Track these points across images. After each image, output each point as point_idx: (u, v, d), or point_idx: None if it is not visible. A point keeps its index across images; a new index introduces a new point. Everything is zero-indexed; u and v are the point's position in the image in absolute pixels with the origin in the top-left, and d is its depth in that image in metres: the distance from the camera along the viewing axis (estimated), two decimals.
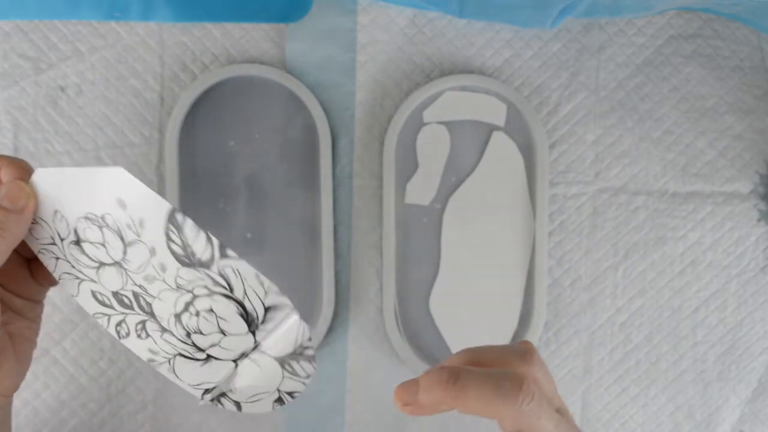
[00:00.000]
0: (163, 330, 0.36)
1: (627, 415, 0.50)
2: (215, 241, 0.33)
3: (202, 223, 0.47)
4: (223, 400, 0.37)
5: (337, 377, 0.49)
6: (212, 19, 0.48)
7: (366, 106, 0.48)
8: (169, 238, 0.33)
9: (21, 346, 0.40)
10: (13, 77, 0.47)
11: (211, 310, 0.35)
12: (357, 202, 0.49)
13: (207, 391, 0.37)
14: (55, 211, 0.36)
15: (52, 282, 0.40)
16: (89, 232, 0.35)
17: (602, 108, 0.49)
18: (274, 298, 0.33)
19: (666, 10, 0.49)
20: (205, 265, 0.33)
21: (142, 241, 0.34)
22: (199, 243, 0.33)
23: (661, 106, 0.49)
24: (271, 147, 0.48)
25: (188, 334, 0.36)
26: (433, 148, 0.48)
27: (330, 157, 0.47)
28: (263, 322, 0.34)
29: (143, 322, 0.36)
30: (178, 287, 0.34)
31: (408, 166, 0.48)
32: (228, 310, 0.34)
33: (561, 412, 0.34)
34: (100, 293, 0.37)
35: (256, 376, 0.36)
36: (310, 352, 0.34)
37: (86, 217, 0.35)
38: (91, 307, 0.37)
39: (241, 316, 0.34)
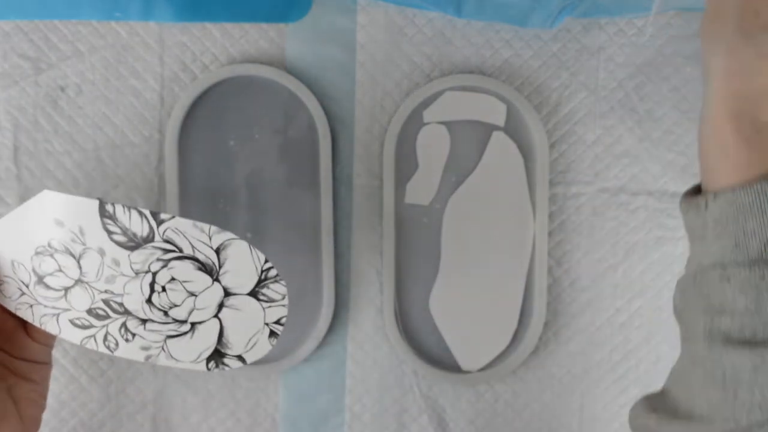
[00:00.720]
0: (143, 321, 0.37)
1: (626, 416, 0.50)
2: (146, 212, 0.34)
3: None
4: (226, 361, 0.38)
5: (337, 377, 0.49)
6: (212, 19, 0.48)
7: (366, 106, 0.48)
8: (109, 232, 0.35)
9: (27, 409, 0.40)
10: (13, 77, 0.47)
11: (173, 279, 0.36)
12: (357, 202, 0.49)
13: (208, 360, 0.37)
14: (12, 262, 0.37)
15: (51, 340, 0.41)
16: (45, 265, 0.37)
17: (602, 108, 0.49)
18: (219, 237, 0.35)
19: (666, 10, 0.49)
20: (149, 239, 0.34)
21: (89, 248, 0.35)
22: (135, 222, 0.34)
23: (661, 106, 0.49)
24: (271, 147, 0.48)
25: (165, 313, 0.36)
26: (433, 148, 0.48)
27: (330, 157, 0.47)
28: (221, 265, 0.35)
29: (124, 324, 0.37)
30: (137, 273, 0.36)
31: (408, 166, 0.48)
32: (186, 270, 0.35)
33: None
34: (77, 318, 0.38)
35: (241, 321, 0.36)
36: (272, 272, 0.36)
37: (37, 253, 0.37)
38: (76, 336, 0.38)
39: (200, 269, 0.35)
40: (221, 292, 0.36)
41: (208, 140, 0.47)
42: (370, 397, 0.49)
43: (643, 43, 0.49)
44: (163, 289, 0.36)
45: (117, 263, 0.36)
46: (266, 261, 0.35)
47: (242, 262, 0.35)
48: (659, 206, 0.49)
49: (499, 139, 0.48)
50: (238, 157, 0.48)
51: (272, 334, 0.37)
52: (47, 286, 0.37)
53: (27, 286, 0.38)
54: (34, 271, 0.37)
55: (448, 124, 0.48)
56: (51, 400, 0.48)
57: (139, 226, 0.35)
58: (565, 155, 0.49)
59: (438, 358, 0.48)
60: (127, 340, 0.37)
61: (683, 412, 0.32)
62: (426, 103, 0.48)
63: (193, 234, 0.34)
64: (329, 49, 0.48)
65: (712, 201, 0.31)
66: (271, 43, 0.48)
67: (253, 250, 0.35)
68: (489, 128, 0.48)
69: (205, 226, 0.35)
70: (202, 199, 0.47)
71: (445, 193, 0.48)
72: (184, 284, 0.36)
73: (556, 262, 0.49)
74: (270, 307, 0.37)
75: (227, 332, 0.37)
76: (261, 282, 0.36)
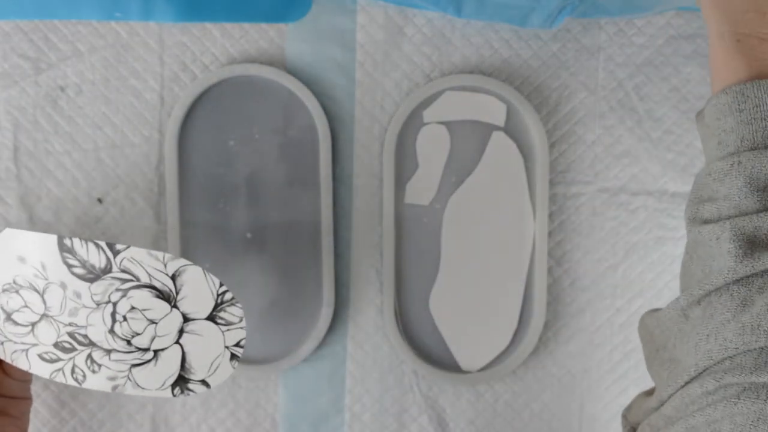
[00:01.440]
0: (108, 351, 0.38)
1: None
2: (102, 244, 0.36)
3: (202, 223, 0.47)
4: (190, 386, 0.39)
5: (337, 377, 0.49)
6: (212, 19, 0.48)
7: (366, 106, 0.48)
8: (69, 266, 0.36)
9: None
10: (13, 77, 0.47)
11: (133, 308, 0.37)
12: (357, 202, 0.49)
13: (173, 386, 0.38)
14: None
15: (28, 375, 0.42)
16: (11, 302, 0.38)
17: (602, 108, 0.49)
18: (173, 264, 0.36)
19: (666, 10, 0.49)
20: (107, 270, 0.36)
21: (51, 282, 0.37)
22: (93, 254, 0.36)
23: (661, 106, 0.49)
24: (271, 147, 0.48)
25: (128, 342, 0.38)
26: (433, 148, 0.48)
27: (330, 157, 0.47)
28: (177, 291, 0.36)
29: (89, 356, 0.38)
30: (98, 304, 0.37)
31: (408, 166, 0.48)
32: (145, 299, 0.37)
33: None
34: (45, 353, 0.39)
35: (201, 346, 0.37)
36: (228, 295, 0.37)
37: (3, 290, 0.38)
38: (45, 370, 0.39)
39: (158, 297, 0.36)
40: (180, 318, 0.37)
41: (208, 140, 0.47)
42: (370, 397, 0.49)
43: (642, 43, 0.49)
44: (124, 318, 0.37)
45: (78, 296, 0.37)
46: (221, 285, 0.37)
47: (198, 287, 0.37)
48: (659, 206, 0.49)
49: (499, 139, 0.48)
50: (238, 157, 0.48)
51: (233, 357, 0.38)
52: (15, 323, 0.39)
53: None
54: (2, 308, 0.39)
55: (448, 124, 0.48)
56: (51, 400, 0.48)
57: (96, 257, 0.36)
58: (565, 155, 0.49)
59: (438, 358, 0.48)
60: (93, 372, 0.39)
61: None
62: (426, 103, 0.48)
63: (149, 263, 0.36)
64: (329, 49, 0.48)
65: (705, 108, 0.35)
66: (271, 43, 0.48)
67: (207, 275, 0.36)
68: (489, 128, 0.48)
69: (160, 254, 0.36)
70: (202, 199, 0.47)
71: (445, 193, 0.48)
72: (143, 312, 0.37)
73: (556, 262, 0.49)
74: (228, 330, 0.38)
75: (189, 357, 0.38)
76: (218, 306, 0.37)
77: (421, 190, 0.48)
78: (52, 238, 0.36)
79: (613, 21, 0.49)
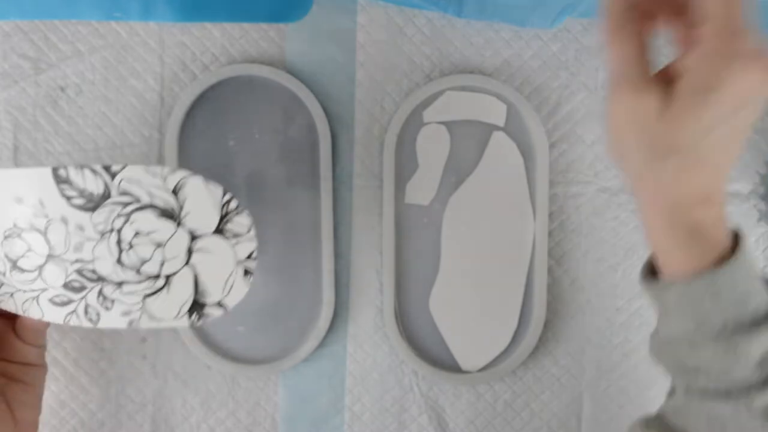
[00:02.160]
0: (118, 284, 0.37)
1: (626, 416, 0.50)
2: (97, 167, 0.34)
3: None
4: (207, 310, 0.37)
5: (337, 377, 0.49)
6: (212, 19, 0.48)
7: (366, 106, 0.48)
8: (67, 198, 0.35)
9: (20, 412, 0.41)
10: (13, 77, 0.47)
11: (138, 233, 0.36)
12: (357, 202, 0.49)
13: (190, 313, 0.37)
14: None
15: (40, 339, 0.41)
16: (15, 248, 0.37)
17: (602, 108, 0.49)
18: (173, 177, 0.34)
19: None
20: (106, 195, 0.34)
21: (52, 219, 0.35)
22: (89, 181, 0.34)
23: None
24: (271, 147, 0.48)
25: (137, 271, 0.36)
26: (433, 148, 0.48)
27: (330, 157, 0.47)
28: (181, 207, 0.35)
29: (100, 292, 0.37)
30: (102, 234, 0.35)
31: (408, 166, 0.48)
32: (149, 220, 0.35)
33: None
34: (56, 296, 0.38)
35: (213, 264, 0.36)
36: (233, 204, 0.35)
37: (5, 237, 0.37)
38: (58, 314, 0.38)
39: (162, 216, 0.35)
40: (187, 237, 0.36)
41: (208, 140, 0.47)
42: (370, 397, 0.49)
43: None
44: (131, 245, 0.36)
45: (81, 228, 0.35)
46: (225, 193, 0.35)
47: (201, 199, 0.35)
48: None
49: (499, 139, 0.48)
50: (238, 157, 0.48)
51: (246, 272, 0.37)
52: (21, 270, 0.37)
53: (4, 275, 0.38)
54: (6, 256, 0.37)
55: (448, 124, 0.48)
56: (51, 400, 0.48)
57: (93, 184, 0.34)
58: (565, 155, 0.49)
59: (438, 358, 0.48)
60: (107, 308, 0.37)
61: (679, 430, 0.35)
62: (426, 103, 0.48)
63: (148, 181, 0.34)
64: (329, 49, 0.48)
65: (667, 290, 0.33)
66: (271, 43, 0.48)
67: (208, 183, 0.34)
68: (489, 128, 0.48)
69: (158, 168, 0.34)
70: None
71: (445, 193, 0.48)
72: (149, 236, 0.36)
73: (556, 262, 0.49)
74: (238, 243, 0.36)
75: (201, 279, 0.36)
76: (224, 217, 0.35)
77: (421, 190, 0.48)
78: (47, 171, 0.35)
79: None
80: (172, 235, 0.36)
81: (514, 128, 0.48)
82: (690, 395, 0.34)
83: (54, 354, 0.48)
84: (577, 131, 0.49)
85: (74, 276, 0.37)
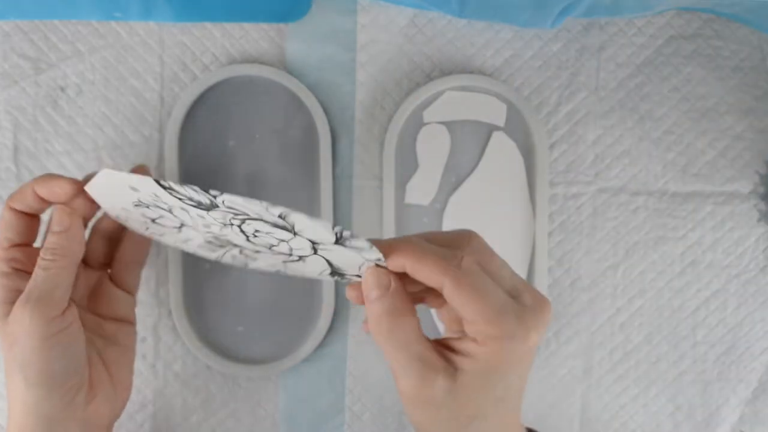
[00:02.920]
0: (256, 252, 0.37)
1: (627, 415, 0.50)
2: (195, 187, 0.33)
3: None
4: (347, 277, 0.37)
5: (337, 377, 0.49)
6: (212, 19, 0.48)
7: (366, 106, 0.48)
8: (178, 199, 0.34)
9: (118, 374, 0.42)
10: (13, 77, 0.47)
11: (258, 231, 0.35)
12: (357, 202, 0.49)
13: (332, 275, 0.37)
14: (122, 208, 0.39)
15: (134, 287, 0.43)
16: (148, 213, 0.37)
17: (602, 108, 0.49)
18: (275, 210, 0.32)
19: (666, 10, 0.49)
20: (213, 205, 0.34)
21: (173, 206, 0.35)
22: (193, 194, 0.33)
23: (661, 106, 0.49)
24: (271, 147, 0.48)
25: (269, 248, 0.36)
26: (433, 148, 0.48)
27: (330, 157, 0.47)
28: (293, 226, 0.33)
29: (241, 251, 0.38)
30: (223, 224, 0.35)
31: (408, 166, 0.48)
32: (264, 225, 0.34)
33: (515, 294, 0.34)
34: (200, 246, 0.39)
35: (343, 257, 0.35)
36: (346, 233, 0.33)
37: (134, 206, 0.37)
38: (209, 256, 0.40)
39: (276, 226, 0.34)
40: (308, 242, 0.34)
41: (208, 140, 0.47)
42: (370, 397, 0.49)
43: (642, 43, 0.49)
44: (255, 235, 0.35)
45: (202, 216, 0.35)
46: (334, 226, 0.33)
47: (311, 228, 0.33)
48: (659, 206, 0.49)
49: (499, 139, 0.48)
50: (238, 157, 0.48)
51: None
52: (162, 226, 0.38)
53: (147, 228, 0.39)
54: (143, 215, 0.38)
55: (448, 124, 0.48)
56: None
57: (198, 197, 0.33)
58: (565, 155, 0.49)
59: None
60: (253, 260, 0.38)
61: None
62: (426, 103, 0.48)
63: (250, 206, 0.33)
64: (329, 49, 0.48)
65: None
66: (271, 43, 0.48)
67: (314, 220, 0.32)
68: (489, 128, 0.48)
69: (255, 201, 0.32)
70: None
71: (445, 193, 0.48)
72: (269, 234, 0.35)
73: (556, 262, 0.49)
74: (362, 251, 0.34)
75: (335, 263, 0.36)
76: (339, 239, 0.33)
77: (421, 190, 0.48)
78: (150, 180, 0.34)
79: (613, 21, 0.49)
80: (291, 238, 0.35)
81: (514, 128, 0.48)
82: None
83: None
84: (577, 131, 0.49)
85: (212, 239, 0.37)
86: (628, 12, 0.48)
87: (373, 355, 0.49)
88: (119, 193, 0.37)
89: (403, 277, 0.34)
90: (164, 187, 0.34)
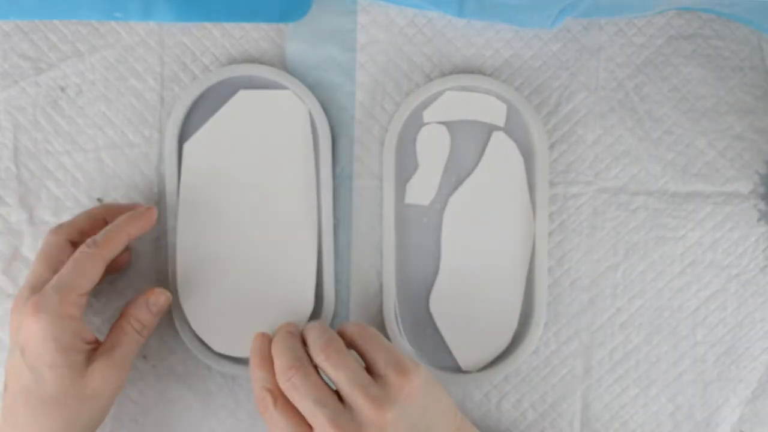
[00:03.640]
0: None
1: (627, 415, 0.50)
2: None
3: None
4: None
5: None
6: (212, 19, 0.48)
7: (366, 106, 0.48)
8: None
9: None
10: (13, 77, 0.47)
11: None
12: (357, 202, 0.49)
13: None
14: None
15: (163, 310, 0.45)
16: None
17: (602, 108, 0.49)
18: None
19: (666, 10, 0.49)
20: None
21: None
22: None
23: (661, 106, 0.49)
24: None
25: None
26: (433, 148, 0.48)
27: (330, 157, 0.47)
28: None
29: None
30: None
31: (408, 166, 0.48)
32: None
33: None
34: None
35: None
36: None
37: None
38: None
39: None
40: None
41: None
42: None
43: (642, 43, 0.49)
44: None
45: None
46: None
47: None
48: (659, 206, 0.49)
49: (499, 139, 0.48)
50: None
51: None
52: None
53: None
54: None
55: (448, 124, 0.48)
56: None
57: None
58: (565, 155, 0.49)
59: (438, 358, 0.48)
60: None
61: None
62: (426, 103, 0.48)
63: None
64: (329, 49, 0.48)
65: None
66: (271, 43, 0.48)
67: None
68: (489, 128, 0.48)
69: None
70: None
71: (445, 193, 0.48)
72: None
73: (556, 262, 0.49)
74: None
75: None
76: None
77: (421, 190, 0.48)
78: None
79: (613, 21, 0.49)
80: None
81: (514, 128, 0.48)
82: None
83: None
84: (577, 131, 0.49)
85: None
86: (628, 12, 0.48)
87: None
88: None
89: None
90: None
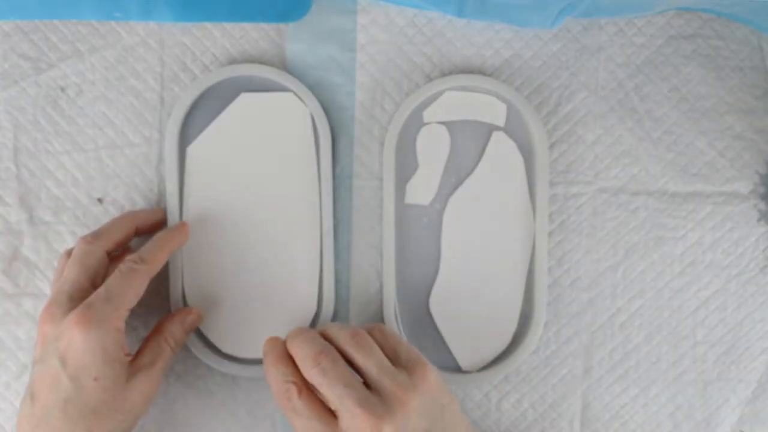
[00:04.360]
0: None
1: (627, 415, 0.50)
2: None
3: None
4: None
5: None
6: (212, 19, 0.48)
7: (366, 106, 0.48)
8: None
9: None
10: (13, 77, 0.47)
11: None
12: (357, 202, 0.49)
13: None
14: None
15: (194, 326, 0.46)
16: None
17: (602, 108, 0.49)
18: None
19: (666, 10, 0.49)
20: None
21: None
22: None
23: (661, 106, 0.49)
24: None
25: None
26: (433, 148, 0.48)
27: (330, 157, 0.47)
28: None
29: None
30: None
31: (408, 166, 0.48)
32: None
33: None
34: None
35: None
36: None
37: None
38: None
39: None
40: None
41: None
42: None
43: (642, 43, 0.49)
44: None
45: None
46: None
47: None
48: (659, 206, 0.49)
49: (499, 139, 0.48)
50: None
51: None
52: None
53: None
54: None
55: (448, 124, 0.48)
56: None
57: None
58: (565, 155, 0.49)
59: (438, 358, 0.48)
60: None
61: None
62: (426, 103, 0.48)
63: None
64: (329, 49, 0.48)
65: None
66: (271, 43, 0.48)
67: None
68: (489, 128, 0.48)
69: None
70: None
71: (445, 193, 0.48)
72: None
73: (556, 262, 0.49)
74: None
75: None
76: None
77: (421, 190, 0.48)
78: None
79: (613, 21, 0.49)
80: None
81: (514, 128, 0.48)
82: None
83: None
84: (577, 131, 0.49)
85: None
86: (628, 12, 0.48)
87: None
88: None
89: None
90: None
